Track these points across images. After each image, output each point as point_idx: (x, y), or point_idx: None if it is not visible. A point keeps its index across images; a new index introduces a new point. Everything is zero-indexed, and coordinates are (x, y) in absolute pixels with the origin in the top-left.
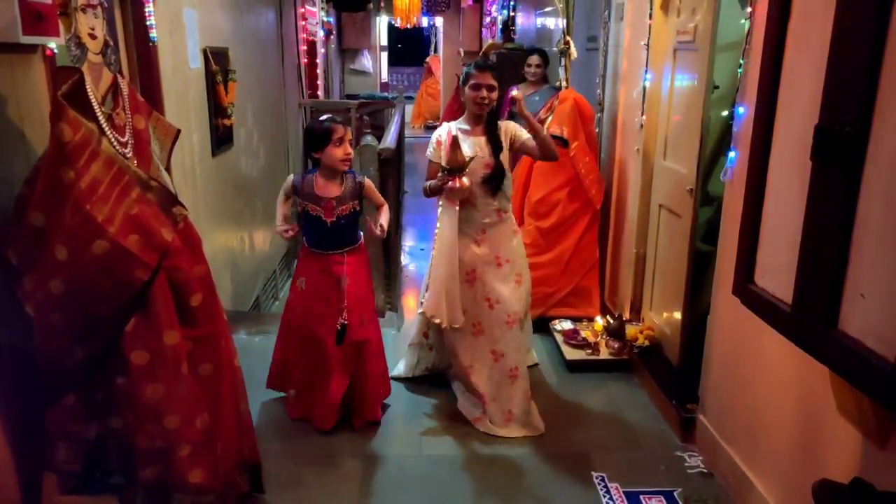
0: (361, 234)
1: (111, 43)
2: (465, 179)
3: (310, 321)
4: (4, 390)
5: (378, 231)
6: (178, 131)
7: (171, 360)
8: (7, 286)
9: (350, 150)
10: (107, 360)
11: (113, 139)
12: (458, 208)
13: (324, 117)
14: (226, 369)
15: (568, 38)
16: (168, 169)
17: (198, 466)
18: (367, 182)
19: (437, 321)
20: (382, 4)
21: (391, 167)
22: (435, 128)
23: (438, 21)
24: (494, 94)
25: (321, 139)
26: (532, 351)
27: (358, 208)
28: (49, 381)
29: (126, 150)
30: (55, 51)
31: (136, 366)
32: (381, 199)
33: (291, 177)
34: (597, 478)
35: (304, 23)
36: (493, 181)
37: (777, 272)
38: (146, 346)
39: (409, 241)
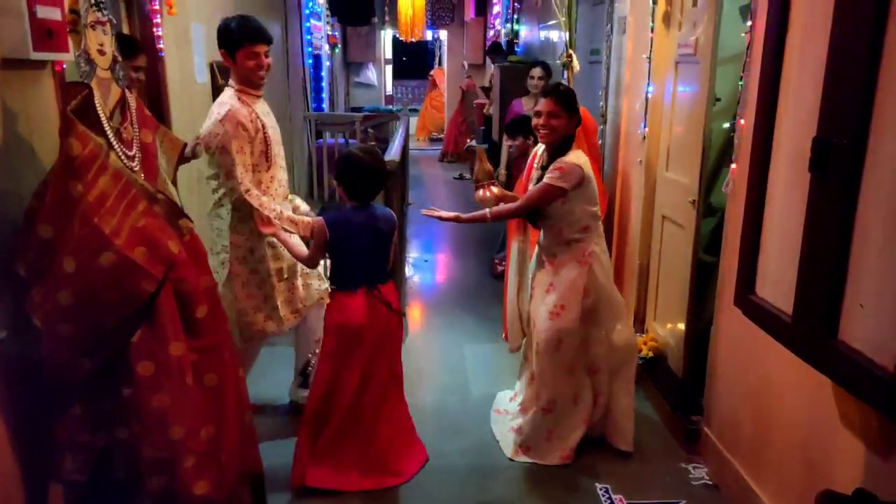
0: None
1: (119, 58)
2: (493, 189)
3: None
4: (12, 401)
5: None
6: (185, 145)
7: (176, 371)
8: (15, 298)
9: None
10: (113, 371)
11: (121, 153)
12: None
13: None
14: (230, 380)
15: (571, 51)
16: (174, 182)
17: (202, 478)
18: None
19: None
20: (387, 18)
21: (396, 179)
22: (440, 140)
23: (442, 34)
24: (557, 122)
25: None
26: None
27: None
28: (56, 391)
29: (133, 164)
30: (65, 67)
31: (142, 376)
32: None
33: (321, 219)
34: (601, 489)
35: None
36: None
37: (778, 283)
38: (152, 357)
39: (413, 253)
